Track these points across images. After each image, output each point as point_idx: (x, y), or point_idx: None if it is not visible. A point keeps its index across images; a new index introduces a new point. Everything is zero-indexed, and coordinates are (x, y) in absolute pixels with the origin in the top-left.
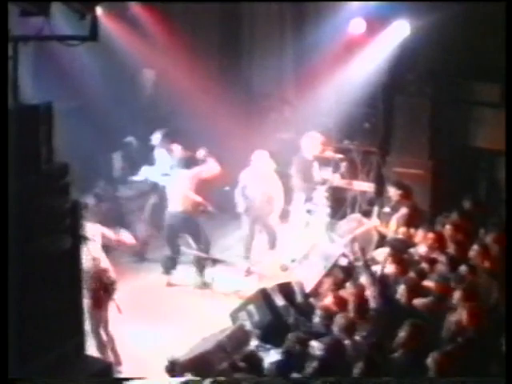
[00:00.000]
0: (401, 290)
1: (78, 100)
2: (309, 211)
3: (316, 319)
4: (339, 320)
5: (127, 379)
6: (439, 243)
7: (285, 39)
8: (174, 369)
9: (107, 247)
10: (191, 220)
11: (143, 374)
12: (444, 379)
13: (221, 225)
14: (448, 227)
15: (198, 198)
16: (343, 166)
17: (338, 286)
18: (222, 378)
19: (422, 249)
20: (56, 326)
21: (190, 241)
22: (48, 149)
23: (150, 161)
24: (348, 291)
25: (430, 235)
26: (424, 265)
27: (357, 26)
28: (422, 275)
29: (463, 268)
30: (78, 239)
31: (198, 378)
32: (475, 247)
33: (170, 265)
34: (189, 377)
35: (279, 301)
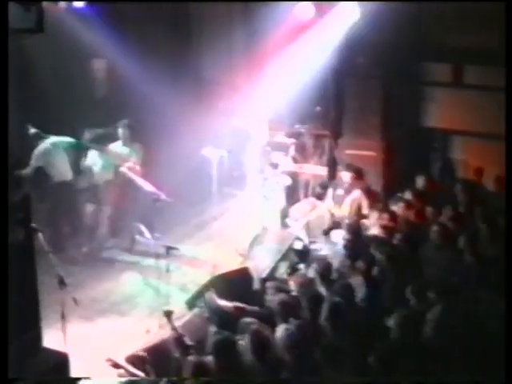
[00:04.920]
0: None
1: (27, 93)
2: (264, 196)
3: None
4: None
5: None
6: (393, 223)
7: (234, 26)
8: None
9: None
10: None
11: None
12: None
13: (178, 212)
14: (401, 206)
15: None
16: (293, 149)
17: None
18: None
19: (375, 230)
20: (12, 320)
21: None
22: None
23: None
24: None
25: (384, 216)
26: None
27: (305, 9)
28: None
29: None
30: (30, 231)
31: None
32: (435, 228)
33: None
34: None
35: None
